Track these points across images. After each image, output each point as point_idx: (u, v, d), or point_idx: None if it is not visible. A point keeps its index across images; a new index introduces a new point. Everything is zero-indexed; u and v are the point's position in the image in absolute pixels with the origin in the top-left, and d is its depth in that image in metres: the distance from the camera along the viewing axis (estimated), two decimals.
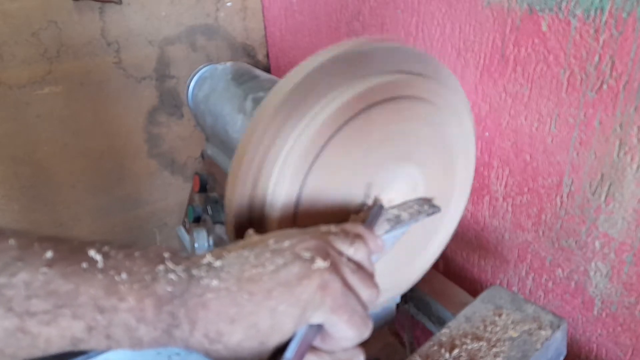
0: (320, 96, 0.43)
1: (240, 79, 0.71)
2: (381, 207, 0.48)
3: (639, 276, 0.60)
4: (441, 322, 0.73)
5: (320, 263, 0.33)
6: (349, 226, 0.40)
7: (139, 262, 0.30)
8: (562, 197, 0.66)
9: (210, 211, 0.69)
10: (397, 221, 0.48)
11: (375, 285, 0.36)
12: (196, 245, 0.69)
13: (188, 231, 0.78)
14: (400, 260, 0.58)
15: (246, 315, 0.30)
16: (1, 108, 0.95)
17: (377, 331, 0.69)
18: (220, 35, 1.18)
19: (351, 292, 0.34)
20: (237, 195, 0.44)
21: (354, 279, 0.35)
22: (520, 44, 0.64)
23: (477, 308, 0.59)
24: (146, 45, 1.08)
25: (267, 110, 0.42)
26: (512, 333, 0.55)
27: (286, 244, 0.34)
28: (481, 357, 0.52)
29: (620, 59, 0.54)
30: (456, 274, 0.89)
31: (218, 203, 0.71)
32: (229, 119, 0.67)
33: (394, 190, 0.51)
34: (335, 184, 0.46)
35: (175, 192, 1.24)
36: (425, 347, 0.54)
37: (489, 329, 0.56)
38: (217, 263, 0.32)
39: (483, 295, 0.61)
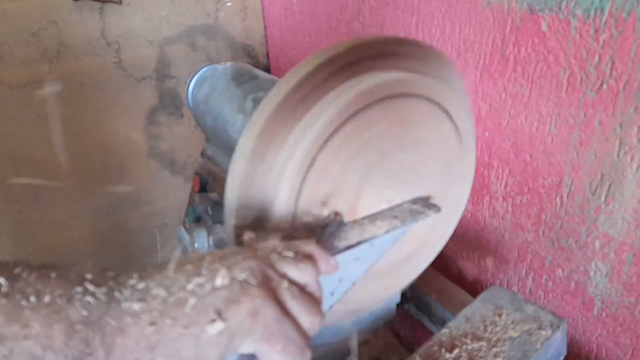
0: (318, 97, 0.43)
1: (240, 79, 0.71)
2: (341, 222, 0.46)
3: (639, 276, 0.60)
4: (441, 322, 0.73)
5: (252, 287, 0.30)
6: (300, 244, 0.37)
7: (53, 284, 0.27)
8: (562, 197, 0.66)
9: (210, 211, 0.69)
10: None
11: (318, 312, 0.34)
12: (196, 245, 0.69)
13: (188, 231, 0.78)
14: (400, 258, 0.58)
15: (168, 343, 0.28)
16: (1, 108, 0.95)
17: (377, 331, 0.69)
18: (220, 35, 1.18)
19: (288, 319, 0.31)
20: (236, 197, 0.44)
21: (293, 305, 0.32)
22: (520, 44, 0.64)
23: (477, 308, 0.59)
24: (146, 45, 1.08)
25: (265, 111, 0.42)
26: (512, 333, 0.55)
27: (223, 264, 0.32)
28: (481, 357, 0.52)
29: (620, 59, 0.54)
30: (456, 274, 0.89)
31: (218, 203, 0.71)
32: (229, 119, 0.67)
33: (392, 190, 0.51)
34: (332, 184, 0.46)
35: (175, 192, 1.24)
36: (425, 347, 0.54)
37: (489, 329, 0.56)
38: (141, 285, 0.29)
39: (483, 295, 0.61)
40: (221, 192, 0.72)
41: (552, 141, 0.64)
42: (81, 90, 1.03)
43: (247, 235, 0.39)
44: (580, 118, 0.60)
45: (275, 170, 0.43)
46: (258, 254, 0.34)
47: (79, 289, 0.28)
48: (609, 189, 0.59)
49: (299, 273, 0.34)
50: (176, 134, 1.19)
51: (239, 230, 0.45)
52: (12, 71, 0.94)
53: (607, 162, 0.59)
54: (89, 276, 0.29)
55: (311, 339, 0.33)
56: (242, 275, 0.31)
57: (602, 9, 0.54)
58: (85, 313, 0.27)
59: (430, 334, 0.60)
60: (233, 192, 0.44)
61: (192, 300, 0.29)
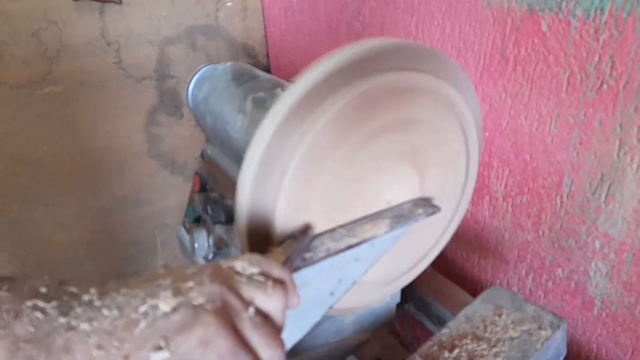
0: (323, 101, 0.43)
1: (240, 79, 0.71)
2: (312, 238, 0.45)
3: (639, 276, 0.60)
4: (441, 322, 0.73)
5: (207, 313, 0.28)
6: (273, 267, 0.35)
7: (2, 298, 0.27)
8: (562, 197, 0.66)
9: (210, 211, 0.69)
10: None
11: (279, 345, 0.31)
12: (196, 245, 0.69)
13: (188, 231, 0.78)
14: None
15: None
16: (1, 108, 0.95)
17: (377, 331, 0.69)
18: (220, 35, 1.17)
19: (245, 351, 0.29)
20: (246, 203, 0.44)
21: (253, 336, 0.30)
22: (520, 44, 0.64)
23: (477, 308, 0.59)
24: (146, 45, 1.08)
25: (274, 118, 0.42)
26: (512, 333, 0.55)
27: (184, 285, 0.30)
28: (481, 357, 0.52)
29: (620, 59, 0.54)
30: (456, 274, 0.89)
31: (218, 203, 0.71)
32: (229, 119, 0.67)
33: (393, 190, 0.51)
34: (340, 189, 0.46)
35: (175, 192, 1.24)
36: (425, 347, 0.54)
37: (489, 329, 0.56)
38: (97, 302, 0.28)
39: (483, 295, 0.61)
40: (221, 192, 0.72)
41: (552, 141, 0.64)
42: (81, 90, 1.03)
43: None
44: (580, 118, 0.60)
45: (287, 175, 0.43)
46: (223, 276, 0.32)
47: (29, 302, 0.27)
48: (609, 189, 0.59)
49: (266, 299, 0.32)
50: (176, 134, 1.19)
51: (253, 237, 0.46)
52: (12, 71, 0.94)
53: (607, 162, 0.59)
54: (43, 290, 0.28)
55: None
56: (198, 300, 0.29)
57: (602, 9, 0.54)
58: (32, 329, 0.26)
59: (430, 334, 0.60)
60: (243, 202, 0.44)
61: (142, 324, 0.27)
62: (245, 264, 0.34)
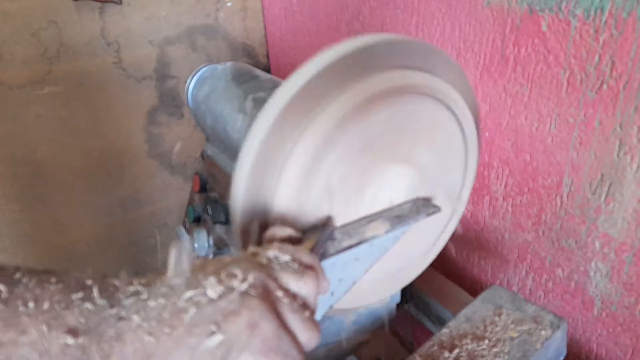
0: (321, 99, 0.43)
1: (240, 79, 0.71)
2: (333, 231, 0.45)
3: (639, 276, 0.60)
4: (441, 322, 0.73)
5: (252, 298, 0.30)
6: (302, 254, 0.36)
7: (52, 290, 0.27)
8: (562, 197, 0.66)
9: (210, 211, 0.69)
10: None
11: (316, 328, 0.33)
12: (196, 245, 0.69)
13: (188, 231, 0.78)
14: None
15: (163, 353, 0.27)
16: (1, 108, 0.95)
17: (377, 331, 0.69)
18: (220, 35, 1.18)
19: (287, 333, 0.31)
20: (242, 199, 0.44)
21: (293, 319, 0.32)
22: (520, 44, 0.64)
23: (477, 308, 0.59)
24: (146, 45, 1.08)
25: (269, 115, 0.42)
26: (512, 333, 0.55)
27: (226, 273, 0.31)
28: (481, 357, 0.52)
29: (620, 59, 0.54)
30: (456, 274, 0.89)
31: (218, 203, 0.71)
32: (229, 119, 0.67)
33: (394, 189, 0.51)
34: (338, 184, 0.46)
35: (175, 192, 1.24)
36: (425, 347, 0.54)
37: (489, 329, 0.56)
38: (144, 293, 0.29)
39: (483, 295, 0.61)
40: (221, 192, 0.72)
41: (552, 141, 0.64)
42: (81, 90, 1.03)
43: (254, 229, 0.38)
44: (580, 118, 0.60)
45: (284, 172, 0.43)
46: (260, 263, 0.33)
47: (78, 294, 0.28)
48: (609, 189, 0.59)
49: (301, 285, 0.34)
50: (176, 134, 1.19)
51: (245, 234, 0.46)
52: (12, 71, 0.94)
53: (607, 162, 0.59)
54: (89, 282, 0.29)
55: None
56: (242, 286, 0.30)
57: (602, 9, 0.54)
58: (82, 320, 0.27)
59: (430, 334, 0.60)
60: (239, 193, 0.44)
61: (191, 311, 0.28)
62: (277, 252, 0.35)
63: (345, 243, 0.45)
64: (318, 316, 0.46)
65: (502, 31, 0.66)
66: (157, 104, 1.14)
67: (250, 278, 0.31)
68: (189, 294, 0.29)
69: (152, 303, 0.28)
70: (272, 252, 0.35)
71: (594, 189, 0.61)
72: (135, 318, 0.28)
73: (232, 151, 0.68)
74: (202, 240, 0.70)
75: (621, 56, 0.53)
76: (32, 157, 1.02)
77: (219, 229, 0.69)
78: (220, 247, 0.69)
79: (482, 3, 0.67)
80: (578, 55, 0.58)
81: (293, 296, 0.33)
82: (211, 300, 0.29)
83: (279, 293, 0.32)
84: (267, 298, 0.31)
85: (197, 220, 0.76)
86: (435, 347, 0.54)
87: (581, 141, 0.61)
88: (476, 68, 0.71)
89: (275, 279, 0.33)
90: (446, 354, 0.52)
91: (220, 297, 0.29)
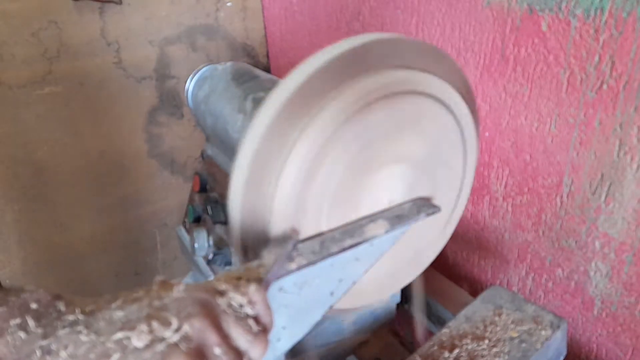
0: (319, 99, 0.43)
1: (240, 79, 0.71)
2: (295, 244, 0.43)
3: (639, 276, 0.60)
4: (441, 322, 0.73)
5: (179, 354, 0.29)
6: (250, 291, 0.34)
7: None
8: (562, 197, 0.66)
9: (210, 211, 0.69)
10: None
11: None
12: (196, 245, 0.69)
13: (188, 231, 0.78)
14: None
15: None
16: (1, 108, 0.95)
17: (377, 331, 0.69)
18: (220, 35, 1.17)
19: None
20: (240, 207, 0.44)
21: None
22: (520, 44, 0.64)
23: (477, 308, 0.59)
24: (146, 45, 1.08)
25: (266, 116, 0.42)
26: (512, 333, 0.55)
27: (164, 316, 0.30)
28: (481, 357, 0.52)
29: (620, 59, 0.54)
30: (456, 274, 0.89)
31: (218, 203, 0.71)
32: (229, 119, 0.67)
33: (392, 189, 0.51)
34: (336, 185, 0.46)
35: (175, 192, 1.24)
36: (425, 347, 0.54)
37: (489, 329, 0.56)
38: (80, 325, 0.29)
39: (483, 295, 0.61)
40: (221, 192, 0.72)
41: (552, 141, 0.64)
42: (81, 90, 1.03)
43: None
44: (580, 118, 0.60)
45: (283, 175, 0.43)
46: (209, 308, 0.31)
47: (17, 320, 0.28)
48: (609, 189, 0.59)
49: (250, 348, 0.32)
50: (176, 134, 1.19)
51: (245, 249, 0.46)
52: (12, 71, 0.94)
53: (607, 162, 0.59)
54: (33, 306, 0.29)
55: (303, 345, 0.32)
56: (174, 338, 0.29)
57: (602, 9, 0.54)
58: (13, 349, 0.27)
59: (430, 334, 0.60)
60: (236, 199, 0.44)
61: (115, 356, 0.28)
62: (233, 293, 0.33)
63: (345, 243, 0.45)
64: (318, 316, 0.46)
65: (502, 31, 0.66)
66: (157, 104, 1.14)
67: (186, 328, 0.29)
68: (119, 335, 0.28)
69: (84, 338, 0.28)
70: (232, 293, 0.33)
71: (594, 189, 0.61)
72: (63, 354, 0.27)
73: (232, 151, 0.68)
74: (202, 240, 0.70)
75: (621, 56, 0.53)
76: (32, 157, 1.02)
77: (219, 229, 0.69)
78: (220, 247, 0.69)
79: (482, 3, 0.67)
80: (578, 55, 0.58)
81: (237, 353, 0.31)
82: (137, 349, 0.28)
83: (218, 351, 0.30)
84: (199, 354, 0.29)
85: (197, 220, 0.76)
86: (435, 347, 0.54)
87: (581, 141, 0.61)
88: (476, 68, 0.71)
89: (220, 330, 0.31)
90: (446, 354, 0.52)
91: (147, 347, 0.28)
